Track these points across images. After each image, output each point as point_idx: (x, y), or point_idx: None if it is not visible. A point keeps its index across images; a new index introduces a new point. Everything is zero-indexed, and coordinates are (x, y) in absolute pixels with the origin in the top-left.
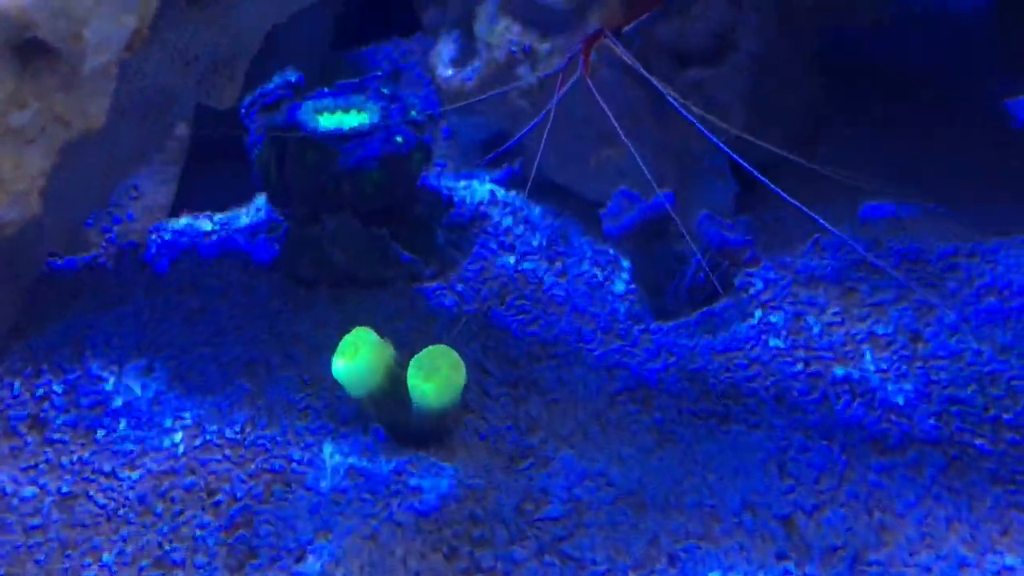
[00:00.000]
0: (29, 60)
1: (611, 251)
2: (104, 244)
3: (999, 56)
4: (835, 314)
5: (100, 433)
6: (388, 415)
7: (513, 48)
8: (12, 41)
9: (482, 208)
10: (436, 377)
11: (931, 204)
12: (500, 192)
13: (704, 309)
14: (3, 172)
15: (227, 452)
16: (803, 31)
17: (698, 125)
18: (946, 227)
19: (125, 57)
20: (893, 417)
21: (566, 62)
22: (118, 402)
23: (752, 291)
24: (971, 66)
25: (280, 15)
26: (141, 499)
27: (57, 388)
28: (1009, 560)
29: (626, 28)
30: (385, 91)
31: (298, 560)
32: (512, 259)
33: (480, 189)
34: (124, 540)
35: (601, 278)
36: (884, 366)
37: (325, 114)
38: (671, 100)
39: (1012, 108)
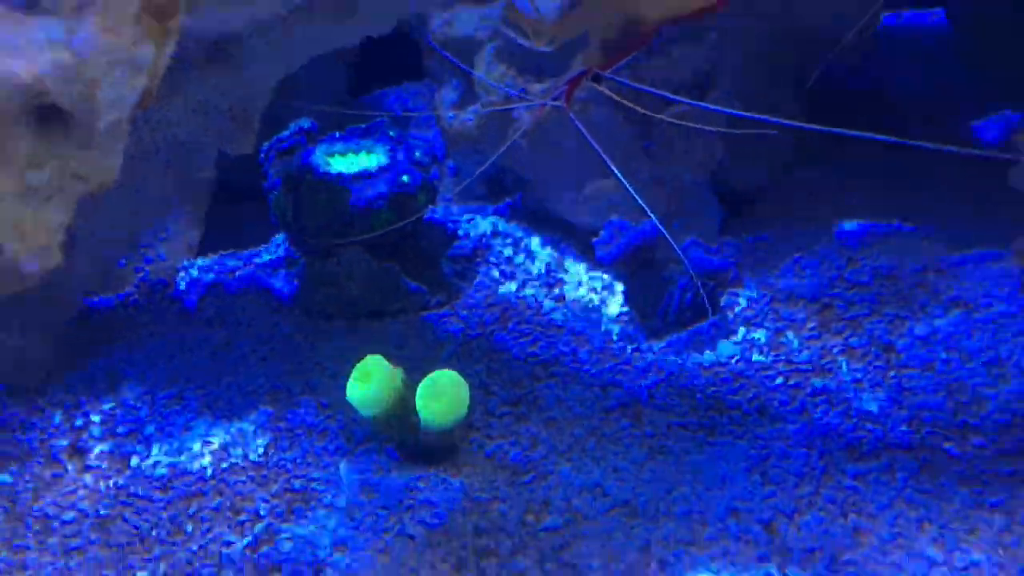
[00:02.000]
0: (45, 122)
1: (605, 276)
2: (136, 283)
3: (966, 79)
4: (813, 329)
5: (135, 460)
6: (399, 435)
7: (509, 91)
8: (28, 106)
9: (484, 239)
10: (443, 398)
11: (901, 223)
12: (501, 224)
13: (692, 328)
14: (25, 228)
15: (251, 473)
16: (786, 63)
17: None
18: (917, 244)
19: (137, 114)
20: (867, 424)
21: (550, 100)
22: (151, 429)
23: (736, 310)
24: (944, 89)
25: (289, 67)
26: (172, 519)
27: (95, 418)
28: (975, 556)
29: (608, 71)
30: (392, 134)
31: (317, 574)
32: (513, 286)
33: (482, 222)
34: (157, 559)
35: (596, 302)
36: (859, 376)
37: (336, 157)
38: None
39: (977, 131)
